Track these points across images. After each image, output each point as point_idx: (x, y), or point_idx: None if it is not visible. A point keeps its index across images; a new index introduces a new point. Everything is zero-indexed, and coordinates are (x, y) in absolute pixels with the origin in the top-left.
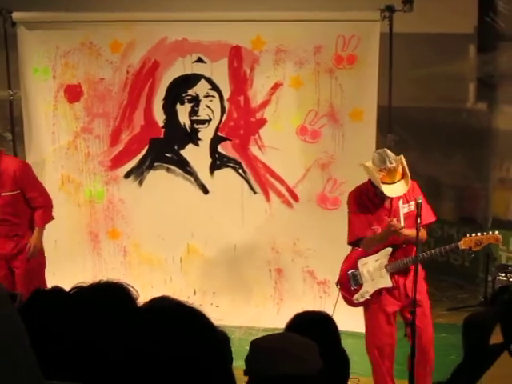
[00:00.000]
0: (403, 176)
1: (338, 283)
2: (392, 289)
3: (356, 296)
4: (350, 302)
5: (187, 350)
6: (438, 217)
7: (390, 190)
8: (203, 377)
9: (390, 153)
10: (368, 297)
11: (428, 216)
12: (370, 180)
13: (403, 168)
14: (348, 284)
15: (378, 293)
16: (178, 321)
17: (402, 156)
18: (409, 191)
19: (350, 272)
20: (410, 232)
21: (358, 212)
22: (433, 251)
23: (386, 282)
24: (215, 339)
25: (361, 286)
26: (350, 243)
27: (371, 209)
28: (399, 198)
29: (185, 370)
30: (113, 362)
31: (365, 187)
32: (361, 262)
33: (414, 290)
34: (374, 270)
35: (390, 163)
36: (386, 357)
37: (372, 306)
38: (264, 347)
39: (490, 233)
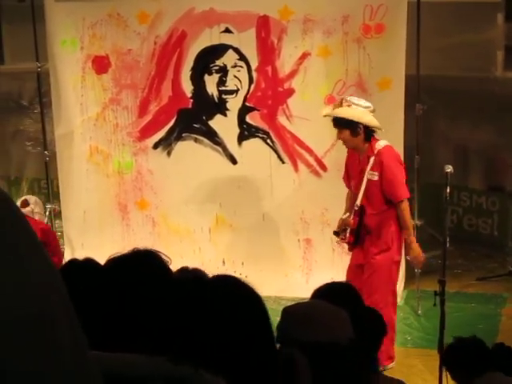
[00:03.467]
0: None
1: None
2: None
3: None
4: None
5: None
6: (467, 185)
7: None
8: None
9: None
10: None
11: (395, 192)
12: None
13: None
14: None
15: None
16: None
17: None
18: (377, 161)
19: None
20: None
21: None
22: None
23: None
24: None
25: None
26: None
27: (354, 165)
28: (367, 163)
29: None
30: (151, 333)
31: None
32: None
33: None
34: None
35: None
36: None
37: None
38: (296, 314)
39: None
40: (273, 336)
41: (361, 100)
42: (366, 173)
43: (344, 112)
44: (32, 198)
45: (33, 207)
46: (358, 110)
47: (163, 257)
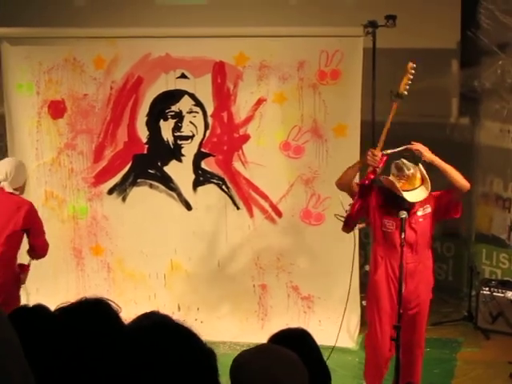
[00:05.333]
0: (423, 182)
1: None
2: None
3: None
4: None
5: (173, 368)
6: None
7: (411, 196)
8: None
9: (406, 161)
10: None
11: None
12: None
13: (422, 174)
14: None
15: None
16: (164, 339)
17: (420, 164)
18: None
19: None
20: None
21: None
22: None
23: None
24: (202, 355)
25: None
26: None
27: (387, 204)
28: (419, 205)
29: None
30: (99, 380)
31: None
32: None
33: (398, 304)
34: None
35: (408, 170)
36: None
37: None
38: (248, 365)
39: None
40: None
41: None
42: (422, 210)
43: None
44: (1, 170)
45: (3, 184)
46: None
47: (113, 305)
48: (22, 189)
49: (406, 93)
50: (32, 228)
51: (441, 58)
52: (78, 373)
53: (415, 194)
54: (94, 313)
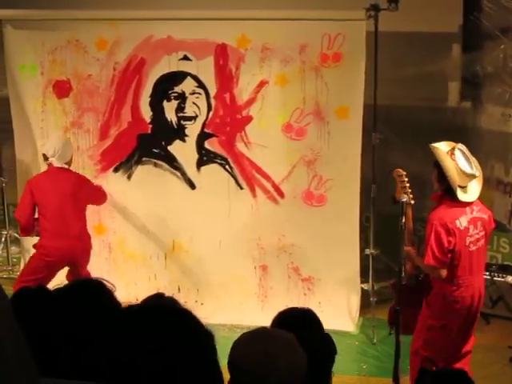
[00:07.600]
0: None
1: None
2: None
3: None
4: None
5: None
6: (422, 216)
7: (466, 196)
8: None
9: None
10: None
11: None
12: None
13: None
14: None
15: None
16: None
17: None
18: None
19: None
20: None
21: None
22: None
23: None
24: (198, 337)
25: None
26: None
27: None
28: None
29: (167, 368)
30: (100, 361)
31: None
32: None
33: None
34: None
35: (478, 172)
36: None
37: None
38: (243, 347)
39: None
40: (216, 363)
41: (465, 159)
42: None
43: (442, 155)
44: (49, 147)
45: (52, 160)
46: (450, 161)
47: (107, 284)
48: (70, 163)
49: (404, 199)
50: (94, 199)
51: (443, 41)
52: (74, 352)
53: (472, 191)
54: (87, 292)
